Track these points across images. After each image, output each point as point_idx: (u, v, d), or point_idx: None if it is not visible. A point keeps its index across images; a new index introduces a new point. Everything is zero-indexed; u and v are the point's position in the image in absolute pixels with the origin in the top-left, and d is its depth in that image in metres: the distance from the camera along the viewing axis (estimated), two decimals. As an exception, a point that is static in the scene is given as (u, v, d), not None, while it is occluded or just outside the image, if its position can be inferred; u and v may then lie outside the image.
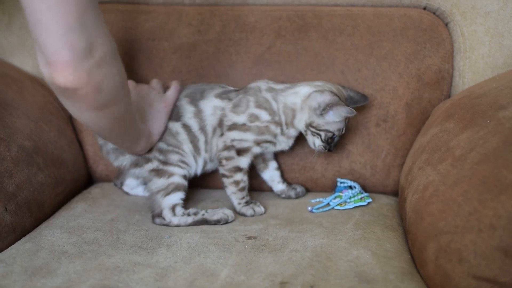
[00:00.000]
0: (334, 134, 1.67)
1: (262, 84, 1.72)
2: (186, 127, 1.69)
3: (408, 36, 1.85)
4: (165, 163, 1.66)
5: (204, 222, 1.59)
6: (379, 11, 1.91)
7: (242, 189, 1.70)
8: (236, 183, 1.69)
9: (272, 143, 1.72)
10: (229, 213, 1.62)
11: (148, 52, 1.89)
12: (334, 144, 1.70)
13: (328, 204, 1.70)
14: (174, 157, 1.67)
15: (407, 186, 1.56)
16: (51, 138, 1.76)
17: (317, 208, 1.68)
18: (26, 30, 1.98)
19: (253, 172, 1.77)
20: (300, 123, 1.69)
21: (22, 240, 1.48)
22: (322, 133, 1.66)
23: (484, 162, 1.23)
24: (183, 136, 1.69)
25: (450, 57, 1.86)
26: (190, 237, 1.48)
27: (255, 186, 1.85)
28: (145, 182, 1.75)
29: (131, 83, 1.68)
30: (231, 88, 1.77)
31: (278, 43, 1.89)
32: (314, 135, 1.68)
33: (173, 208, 1.62)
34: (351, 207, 1.69)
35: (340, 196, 1.75)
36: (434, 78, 1.84)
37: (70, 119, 1.96)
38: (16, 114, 1.67)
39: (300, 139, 1.82)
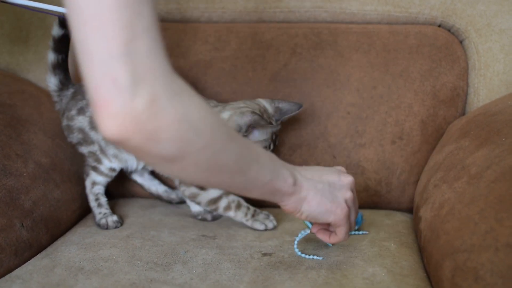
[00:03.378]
0: None
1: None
2: None
3: (423, 53, 1.86)
4: None
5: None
6: (394, 28, 1.91)
7: (238, 207, 1.68)
8: (227, 208, 1.68)
9: None
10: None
11: (164, 69, 1.90)
12: None
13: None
14: None
15: (422, 203, 1.56)
16: (68, 154, 1.77)
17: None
18: (42, 46, 2.00)
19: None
20: None
21: (39, 256, 1.49)
22: None
23: (500, 180, 1.23)
24: None
25: (465, 74, 1.86)
26: (206, 253, 1.48)
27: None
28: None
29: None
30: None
31: (294, 60, 1.90)
32: None
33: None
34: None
35: None
36: (449, 96, 1.84)
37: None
38: (33, 130, 1.68)
39: (314, 154, 1.82)
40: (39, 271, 1.37)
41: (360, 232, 1.61)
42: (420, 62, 1.85)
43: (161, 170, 1.17)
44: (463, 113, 1.86)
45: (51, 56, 1.71)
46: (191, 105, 1.00)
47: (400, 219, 1.75)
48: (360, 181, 1.85)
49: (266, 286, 1.29)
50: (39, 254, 1.50)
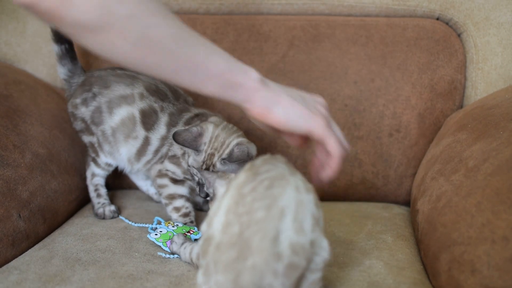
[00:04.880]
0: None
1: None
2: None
3: (421, 46, 1.86)
4: None
5: None
6: (392, 21, 1.91)
7: (184, 215, 1.65)
8: (176, 209, 1.66)
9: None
10: None
11: (162, 61, 1.90)
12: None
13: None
14: None
15: (420, 196, 1.56)
16: (65, 145, 1.77)
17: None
18: (40, 37, 1.99)
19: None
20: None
21: (36, 247, 1.49)
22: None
23: (497, 173, 1.23)
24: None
25: (462, 68, 1.86)
26: (203, 246, 1.47)
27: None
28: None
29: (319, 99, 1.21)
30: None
31: (292, 52, 1.90)
32: None
33: None
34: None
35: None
36: (447, 89, 1.84)
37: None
38: (30, 121, 1.68)
39: (311, 146, 1.83)
40: (36, 262, 1.37)
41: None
42: (418, 55, 1.85)
43: (89, 43, 0.98)
44: (461, 106, 1.87)
45: (54, 48, 1.72)
46: None
47: (397, 212, 1.75)
48: (357, 173, 1.85)
49: (263, 278, 1.29)
50: (36, 245, 1.50)
